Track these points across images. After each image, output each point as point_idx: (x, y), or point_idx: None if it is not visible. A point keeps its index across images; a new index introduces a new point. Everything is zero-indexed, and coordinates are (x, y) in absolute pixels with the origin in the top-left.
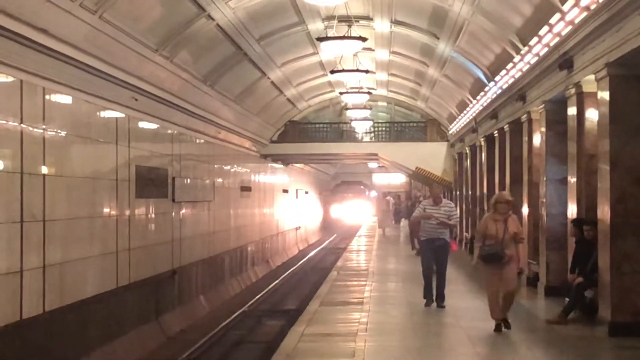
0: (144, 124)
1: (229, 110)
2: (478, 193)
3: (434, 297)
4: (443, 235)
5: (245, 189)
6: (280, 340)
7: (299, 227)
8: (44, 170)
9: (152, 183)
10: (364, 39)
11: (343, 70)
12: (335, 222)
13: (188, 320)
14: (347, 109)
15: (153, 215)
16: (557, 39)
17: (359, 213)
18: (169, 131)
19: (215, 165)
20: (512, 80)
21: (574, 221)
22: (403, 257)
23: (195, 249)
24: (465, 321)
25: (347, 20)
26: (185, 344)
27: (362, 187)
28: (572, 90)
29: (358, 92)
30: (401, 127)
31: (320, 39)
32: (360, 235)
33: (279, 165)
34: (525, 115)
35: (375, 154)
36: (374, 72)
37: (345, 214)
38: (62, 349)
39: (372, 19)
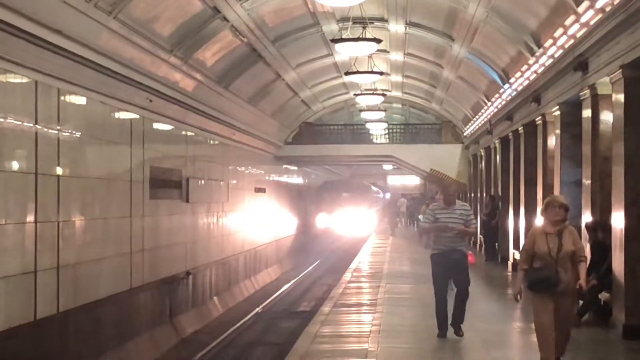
0: (158, 125)
1: (243, 111)
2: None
3: (451, 324)
4: (460, 246)
5: (260, 190)
6: (294, 342)
7: None
8: (59, 171)
9: (166, 184)
10: (378, 41)
11: (358, 72)
12: (323, 235)
13: (202, 322)
14: (361, 110)
15: (167, 216)
16: (572, 41)
17: (360, 223)
18: (184, 132)
19: (230, 167)
20: (526, 82)
21: (590, 224)
22: (418, 260)
23: (209, 250)
24: (479, 324)
25: (362, 22)
26: (198, 345)
27: (366, 185)
28: (587, 93)
29: (373, 94)
30: (416, 129)
31: (335, 41)
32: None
33: (293, 167)
34: (539, 118)
35: (390, 156)
36: (389, 74)
37: (340, 223)
38: (76, 350)
39: (386, 21)
